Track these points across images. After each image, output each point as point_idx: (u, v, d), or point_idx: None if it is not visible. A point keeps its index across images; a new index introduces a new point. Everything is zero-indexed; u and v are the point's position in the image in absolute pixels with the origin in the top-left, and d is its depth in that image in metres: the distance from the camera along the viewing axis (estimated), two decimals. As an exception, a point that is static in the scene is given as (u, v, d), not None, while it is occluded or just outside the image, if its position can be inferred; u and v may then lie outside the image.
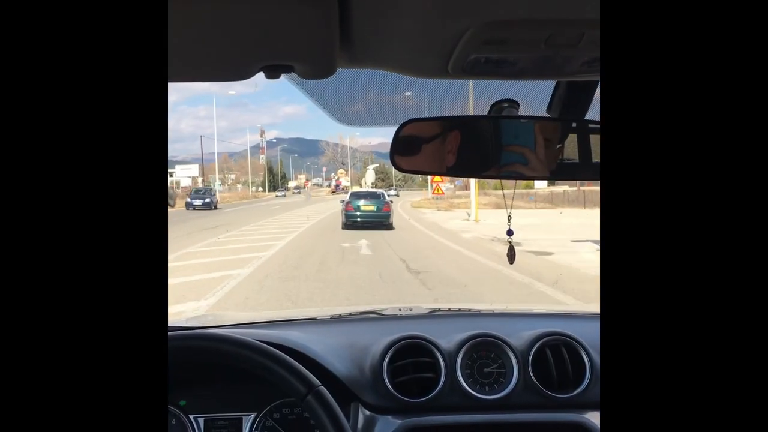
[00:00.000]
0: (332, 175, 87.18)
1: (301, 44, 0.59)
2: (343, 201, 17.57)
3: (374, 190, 20.81)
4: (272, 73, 0.65)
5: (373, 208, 16.42)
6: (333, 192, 70.03)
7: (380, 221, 16.16)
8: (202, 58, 0.65)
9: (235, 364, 0.99)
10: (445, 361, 1.21)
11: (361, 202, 16.56)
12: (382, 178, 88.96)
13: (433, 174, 0.92)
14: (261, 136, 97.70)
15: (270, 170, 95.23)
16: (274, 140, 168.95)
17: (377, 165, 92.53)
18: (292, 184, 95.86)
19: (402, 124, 0.83)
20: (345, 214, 16.46)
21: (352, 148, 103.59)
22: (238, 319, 1.61)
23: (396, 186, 78.00)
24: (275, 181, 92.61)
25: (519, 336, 1.27)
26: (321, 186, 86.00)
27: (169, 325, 1.35)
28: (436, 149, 0.84)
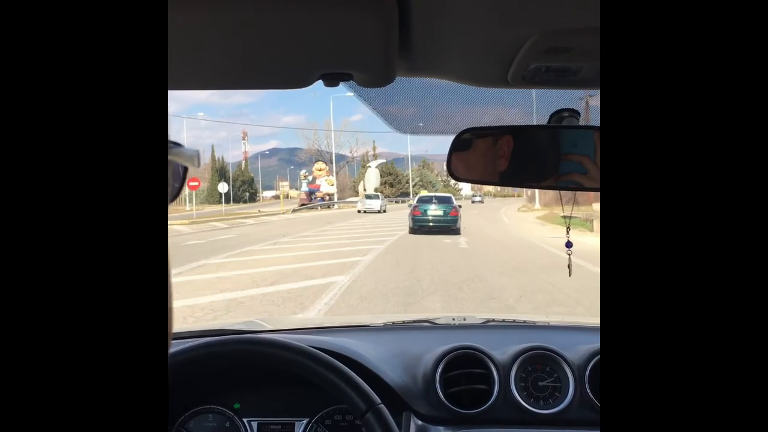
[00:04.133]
0: (303, 173, 48.88)
1: (361, 53, 0.60)
2: (411, 205, 18.10)
3: (444, 194, 19.69)
4: (331, 81, 0.66)
5: (440, 212, 16.25)
6: (303, 204, 37.46)
7: (448, 226, 16.09)
8: (264, 66, 0.66)
9: (296, 372, 0.99)
10: (498, 373, 1.19)
11: (429, 207, 16.40)
12: (390, 182, 56.47)
13: (489, 183, 0.89)
14: (243, 139, 78.89)
15: (221, 174, 64.28)
16: (272, 150, 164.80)
17: (382, 162, 60.00)
18: (268, 193, 65.11)
19: (460, 132, 0.83)
20: (412, 218, 16.38)
21: (350, 156, 69.61)
22: (291, 323, 1.74)
23: (415, 193, 52.63)
24: (231, 190, 63.28)
25: (576, 350, 1.23)
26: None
27: (222, 328, 1.42)
28: (494, 158, 0.83)
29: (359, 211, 31.70)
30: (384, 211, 32.48)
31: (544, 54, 0.61)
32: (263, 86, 0.72)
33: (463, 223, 17.23)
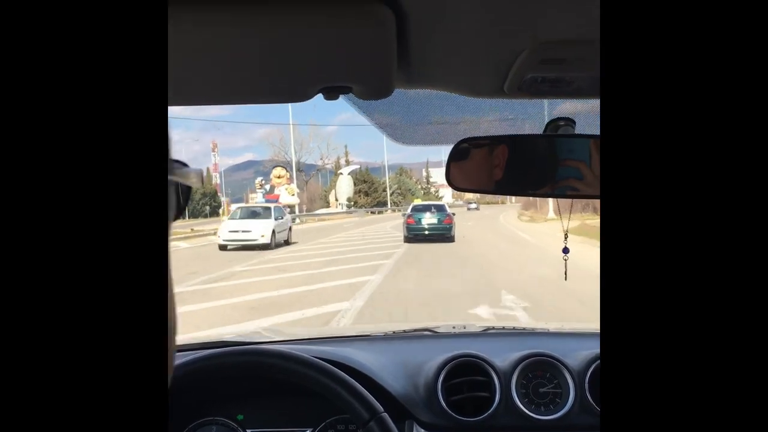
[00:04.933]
0: (260, 180, 40.28)
1: (359, 66, 0.61)
2: (404, 214, 17.36)
3: (437, 202, 19.40)
4: (331, 94, 0.66)
5: (435, 220, 16.12)
6: None
7: (442, 234, 15.95)
8: (264, 81, 0.66)
9: (298, 382, 0.99)
10: (499, 380, 1.20)
11: (424, 215, 16.20)
12: (365, 190, 48.90)
13: (488, 192, 0.90)
14: (213, 151, 70.07)
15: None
16: (247, 162, 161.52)
17: (356, 168, 52.44)
18: (234, 206, 56.67)
19: (458, 142, 0.84)
20: (407, 227, 16.12)
21: (320, 163, 61.28)
22: (293, 334, 1.64)
23: (393, 203, 53.45)
24: (189, 205, 55.14)
25: (575, 356, 1.25)
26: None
27: (224, 340, 1.41)
28: (491, 167, 0.84)
29: (221, 248, 15.17)
30: (286, 242, 16.42)
31: (539, 65, 0.62)
32: (264, 101, 0.74)
33: (481, 247, 14.53)
